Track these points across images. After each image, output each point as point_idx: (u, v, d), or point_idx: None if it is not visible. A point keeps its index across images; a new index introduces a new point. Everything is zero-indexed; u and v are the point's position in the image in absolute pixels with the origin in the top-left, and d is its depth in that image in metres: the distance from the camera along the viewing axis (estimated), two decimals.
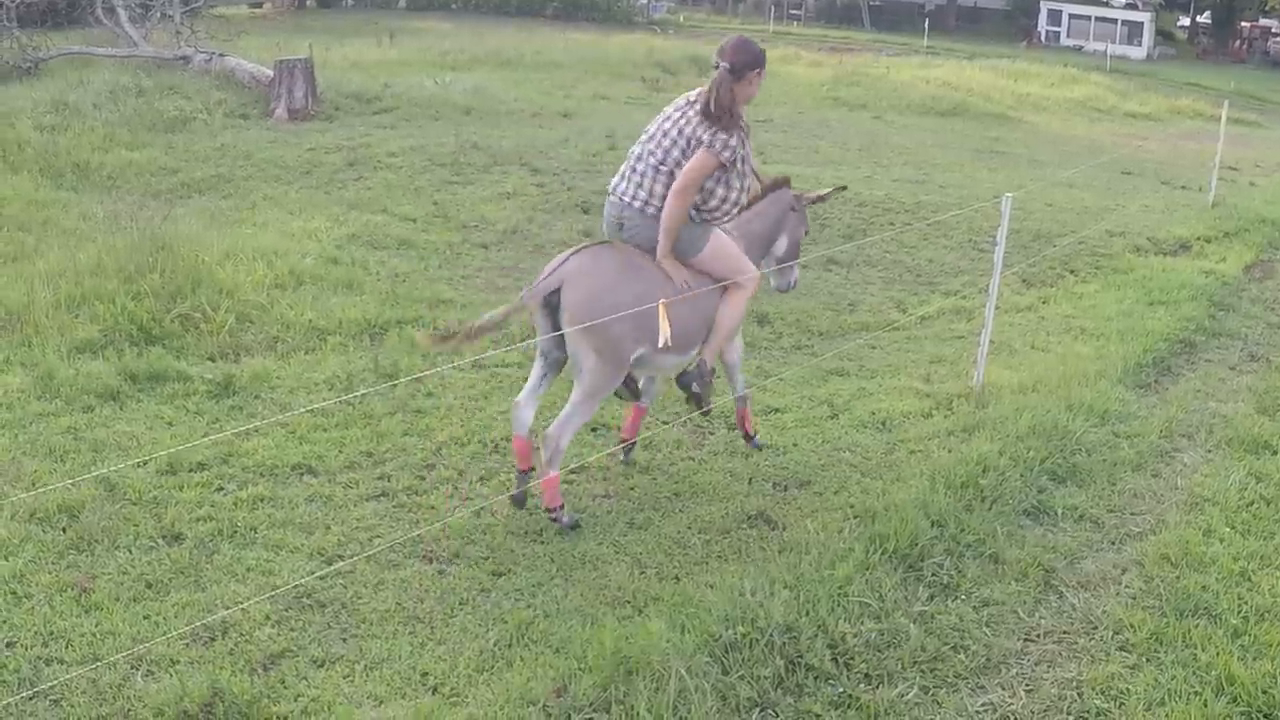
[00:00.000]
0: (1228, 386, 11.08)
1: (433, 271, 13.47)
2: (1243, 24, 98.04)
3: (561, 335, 7.61)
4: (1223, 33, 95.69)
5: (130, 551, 7.00)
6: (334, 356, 10.51)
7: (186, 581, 6.72)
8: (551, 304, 7.59)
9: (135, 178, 17.81)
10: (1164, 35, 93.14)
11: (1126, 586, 7.07)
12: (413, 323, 11.37)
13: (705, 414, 8.61)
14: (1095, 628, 6.61)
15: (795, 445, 9.16)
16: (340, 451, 8.55)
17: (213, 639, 6.15)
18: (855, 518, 7.58)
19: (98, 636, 6.11)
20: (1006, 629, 6.56)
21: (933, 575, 6.91)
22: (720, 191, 7.81)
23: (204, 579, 6.76)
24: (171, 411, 9.19)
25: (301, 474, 8.20)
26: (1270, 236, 18.39)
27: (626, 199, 7.83)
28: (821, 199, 9.26)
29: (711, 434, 9.35)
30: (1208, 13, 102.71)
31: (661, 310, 7.41)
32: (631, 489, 8.27)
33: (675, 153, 7.70)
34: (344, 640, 6.25)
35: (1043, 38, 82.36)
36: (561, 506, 7.69)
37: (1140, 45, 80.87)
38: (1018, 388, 10.16)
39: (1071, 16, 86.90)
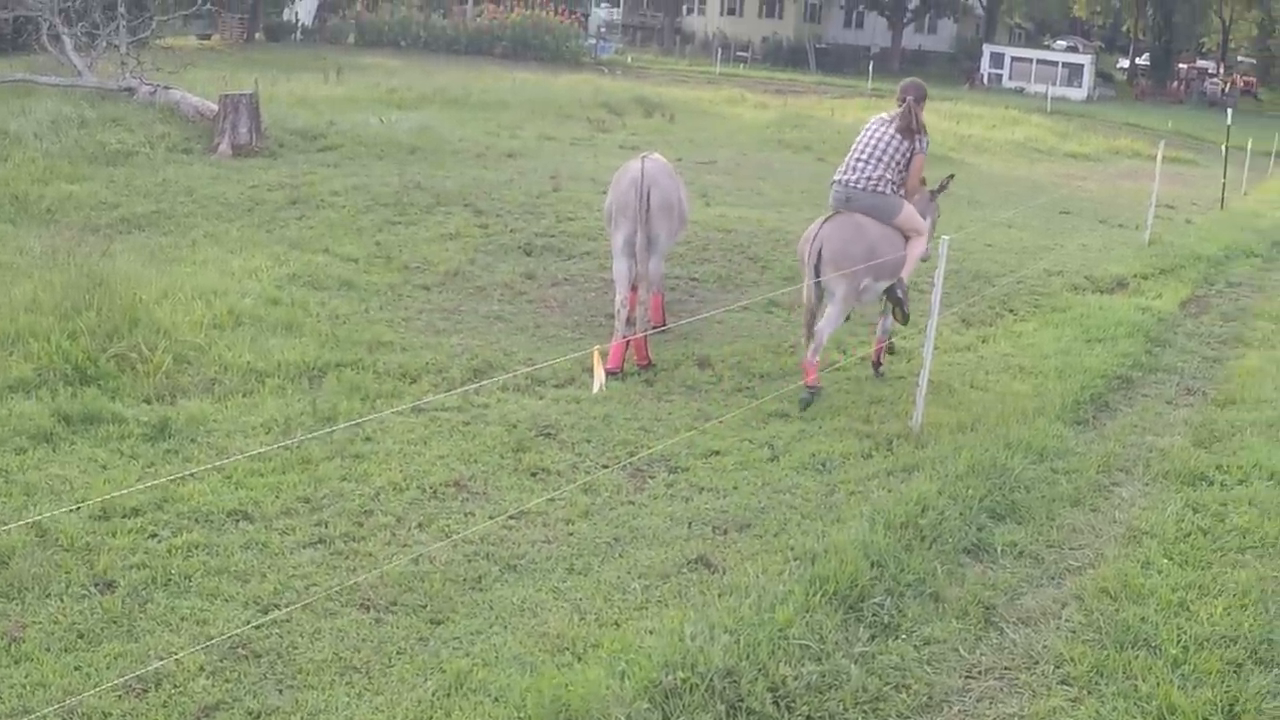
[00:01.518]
0: (1164, 421, 11.23)
1: (373, 313, 13.39)
2: (1180, 65, 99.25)
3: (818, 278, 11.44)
4: (1161, 74, 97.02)
5: (62, 600, 6.89)
6: (272, 399, 10.42)
7: (119, 631, 6.62)
8: (817, 266, 11.43)
9: (74, 211, 17.64)
10: (1104, 77, 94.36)
11: (1066, 621, 7.13)
12: (352, 366, 11.32)
13: (905, 319, 12.26)
14: (1036, 663, 6.66)
15: (736, 488, 9.13)
16: (277, 497, 8.46)
17: (146, 690, 6.06)
18: (795, 560, 7.55)
19: (28, 688, 6.00)
20: (948, 667, 6.59)
21: (873, 615, 6.91)
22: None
23: (137, 628, 6.66)
24: (106, 454, 9.07)
25: (237, 520, 8.09)
26: (1205, 272, 18.65)
27: (854, 184, 11.67)
28: (944, 188, 13.20)
29: (651, 478, 9.32)
30: (1146, 55, 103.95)
31: (596, 358, 7.99)
32: (571, 534, 8.22)
33: (889, 153, 11.65)
34: (280, 691, 6.17)
35: (985, 80, 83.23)
36: (812, 388, 11.40)
37: (1080, 87, 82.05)
38: (957, 427, 10.24)
39: (1013, 59, 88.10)
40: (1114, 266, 18.51)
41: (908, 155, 11.71)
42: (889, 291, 11.99)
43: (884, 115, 11.99)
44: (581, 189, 20.42)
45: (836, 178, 11.88)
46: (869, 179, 11.60)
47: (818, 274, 11.41)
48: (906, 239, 11.82)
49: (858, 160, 11.71)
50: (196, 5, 32.09)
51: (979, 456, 9.15)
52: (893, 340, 12.98)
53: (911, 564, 7.44)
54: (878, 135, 11.75)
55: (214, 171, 20.60)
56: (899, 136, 11.67)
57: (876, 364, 12.62)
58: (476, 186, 20.25)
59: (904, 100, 11.77)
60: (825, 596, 6.87)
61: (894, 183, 11.69)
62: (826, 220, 11.61)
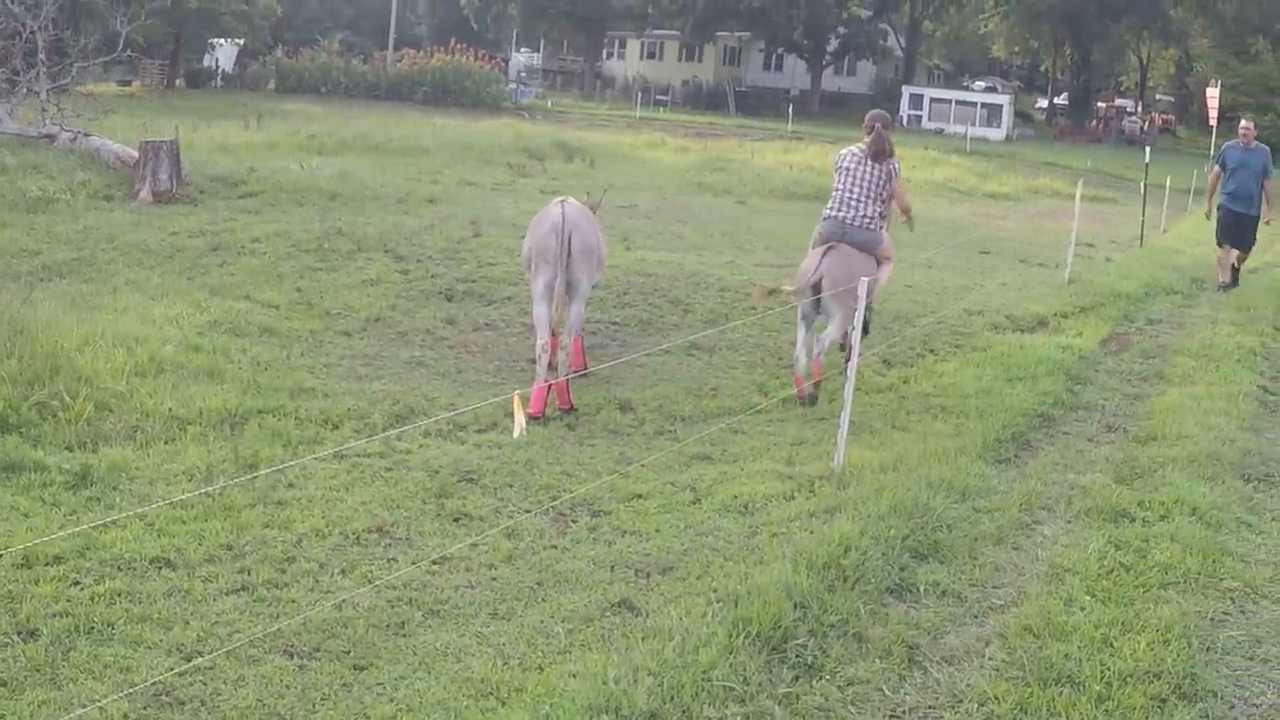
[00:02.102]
0: (1086, 458, 11.25)
1: (295, 360, 13.37)
2: (1099, 104, 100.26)
3: (818, 300, 13.00)
4: (1079, 113, 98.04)
5: None
6: (194, 446, 10.38)
7: (42, 679, 6.58)
8: (816, 286, 12.99)
9: None
10: (1023, 117, 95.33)
11: (990, 659, 7.13)
12: (274, 412, 11.30)
13: (865, 334, 12.90)
14: (960, 701, 6.65)
15: (658, 531, 9.14)
16: (200, 544, 8.42)
17: None
18: (718, 602, 7.54)
19: None
20: (872, 707, 6.59)
21: (797, 656, 6.90)
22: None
23: (60, 676, 6.62)
24: (27, 502, 8.99)
25: (160, 567, 8.06)
26: (1125, 310, 18.80)
27: (850, 221, 13.41)
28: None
29: (574, 522, 9.33)
30: (1065, 94, 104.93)
31: (516, 403, 8.20)
32: (494, 579, 8.22)
33: (875, 189, 13.46)
34: None
35: (905, 121, 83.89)
36: (817, 385, 13.35)
37: (999, 127, 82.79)
38: (878, 467, 10.22)
39: (933, 100, 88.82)
40: (1034, 305, 18.66)
41: (887, 183, 13.52)
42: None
43: (854, 149, 13.68)
44: (502, 234, 20.48)
45: (831, 214, 13.56)
46: (864, 217, 13.42)
47: (815, 292, 13.03)
48: (879, 263, 13.63)
49: (853, 200, 13.43)
50: (117, 52, 31.98)
51: (901, 496, 9.15)
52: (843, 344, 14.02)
53: (834, 604, 7.43)
54: (861, 175, 13.46)
55: (135, 218, 20.51)
56: (876, 166, 13.42)
57: (816, 384, 13.43)
58: (397, 232, 20.26)
59: (873, 128, 13.51)
60: (748, 638, 6.87)
61: (881, 214, 13.73)
62: (826, 254, 13.17)
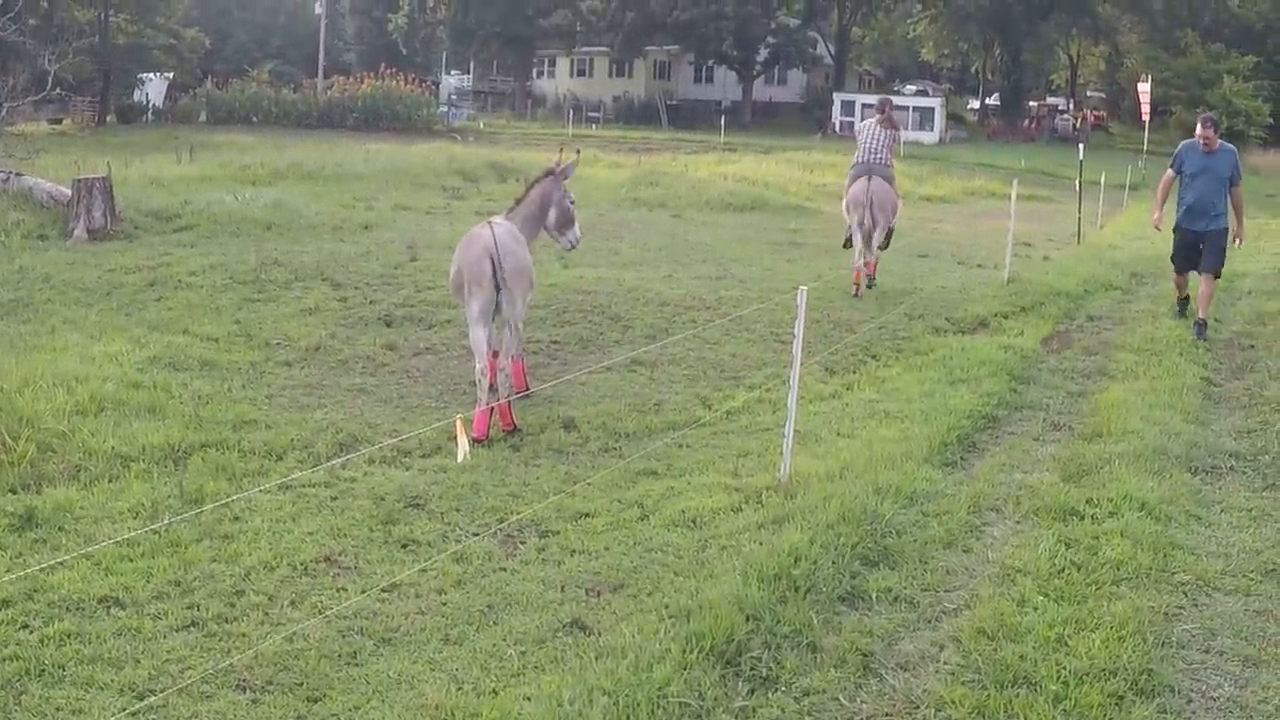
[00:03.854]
0: (1032, 457, 11.30)
1: (236, 392, 13.31)
2: (1031, 103, 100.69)
3: (872, 214, 20.57)
4: (1012, 113, 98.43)
5: None
6: (138, 483, 10.34)
7: None
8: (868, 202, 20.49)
9: None
10: (955, 119, 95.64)
11: (945, 663, 7.15)
12: (217, 446, 11.25)
13: (887, 244, 21.63)
14: (917, 707, 6.67)
15: (607, 549, 9.14)
16: (148, 581, 8.39)
17: None
18: (670, 618, 7.52)
19: None
20: (829, 717, 6.60)
21: (751, 669, 6.91)
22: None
23: None
24: None
25: (109, 607, 8.02)
26: (1065, 308, 18.89)
27: (875, 163, 21.01)
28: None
29: (523, 544, 9.34)
30: (996, 95, 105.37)
31: (459, 426, 8.61)
32: (444, 604, 8.22)
33: (886, 142, 21.23)
34: None
35: (837, 128, 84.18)
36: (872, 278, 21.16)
37: (932, 130, 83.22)
38: (825, 475, 10.18)
39: (864, 106, 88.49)
40: (974, 306, 18.77)
41: (891, 141, 21.57)
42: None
43: (869, 121, 21.99)
44: (439, 258, 20.40)
45: (861, 160, 21.32)
46: (881, 161, 21.29)
47: (872, 211, 20.74)
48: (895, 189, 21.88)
49: (874, 149, 21.32)
50: (46, 91, 31.83)
51: (849, 504, 9.14)
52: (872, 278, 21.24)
53: (787, 615, 7.44)
54: (876, 134, 21.42)
55: (70, 257, 20.40)
56: (885, 131, 21.45)
57: (871, 277, 21.31)
58: (334, 260, 20.22)
59: (884, 110, 21.94)
60: (702, 653, 6.87)
61: (888, 162, 21.54)
62: (869, 180, 20.85)
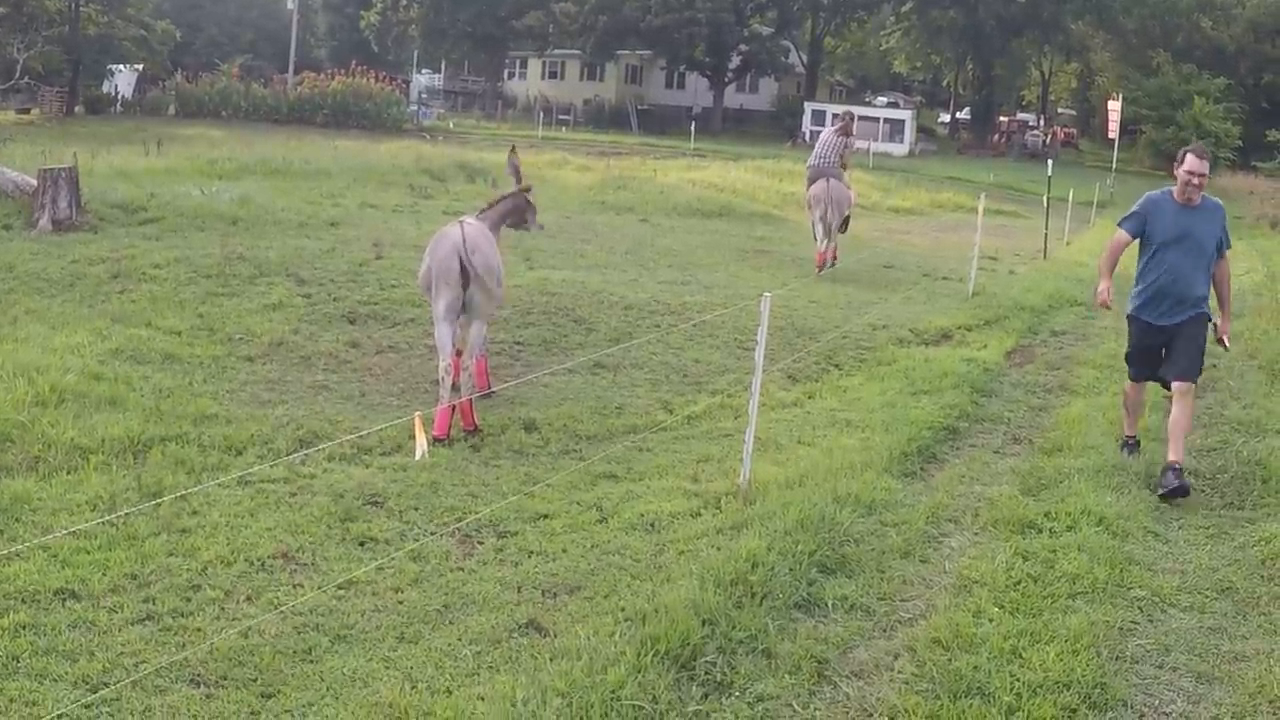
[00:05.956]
0: (992, 470, 11.38)
1: (198, 386, 13.26)
2: (1001, 119, 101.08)
3: (832, 208, 24.78)
4: (982, 128, 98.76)
5: None
6: (96, 476, 10.28)
7: None
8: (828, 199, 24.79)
9: None
10: (925, 132, 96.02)
11: (899, 672, 7.18)
12: (177, 439, 11.22)
13: (843, 230, 25.74)
14: (870, 715, 6.70)
15: (565, 551, 9.16)
16: (104, 574, 8.35)
17: None
18: (626, 621, 7.54)
19: None
20: None
21: (706, 674, 6.93)
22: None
23: None
24: None
25: (64, 599, 7.98)
26: (1030, 322, 19.02)
27: (825, 165, 25.10)
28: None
29: (480, 544, 9.34)
30: (967, 109, 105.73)
31: (418, 424, 8.50)
32: (400, 603, 8.22)
33: (836, 148, 25.35)
34: None
35: (807, 137, 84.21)
36: (834, 260, 25.56)
37: (902, 142, 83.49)
38: (785, 483, 10.24)
39: (835, 116, 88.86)
40: (938, 319, 18.86)
41: (843, 147, 25.35)
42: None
43: (830, 129, 26.04)
44: (404, 256, 20.39)
45: (813, 162, 25.61)
46: (831, 163, 25.00)
47: (831, 206, 24.52)
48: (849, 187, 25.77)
49: (823, 156, 25.29)
50: (14, 80, 31.72)
51: (808, 511, 9.17)
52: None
53: (742, 621, 7.47)
54: (831, 142, 25.42)
55: (34, 247, 20.24)
56: (839, 138, 25.40)
57: (834, 259, 25.36)
58: (299, 256, 20.15)
59: (843, 120, 25.82)
60: (657, 656, 6.89)
61: (840, 164, 25.29)
62: (827, 181, 24.62)
